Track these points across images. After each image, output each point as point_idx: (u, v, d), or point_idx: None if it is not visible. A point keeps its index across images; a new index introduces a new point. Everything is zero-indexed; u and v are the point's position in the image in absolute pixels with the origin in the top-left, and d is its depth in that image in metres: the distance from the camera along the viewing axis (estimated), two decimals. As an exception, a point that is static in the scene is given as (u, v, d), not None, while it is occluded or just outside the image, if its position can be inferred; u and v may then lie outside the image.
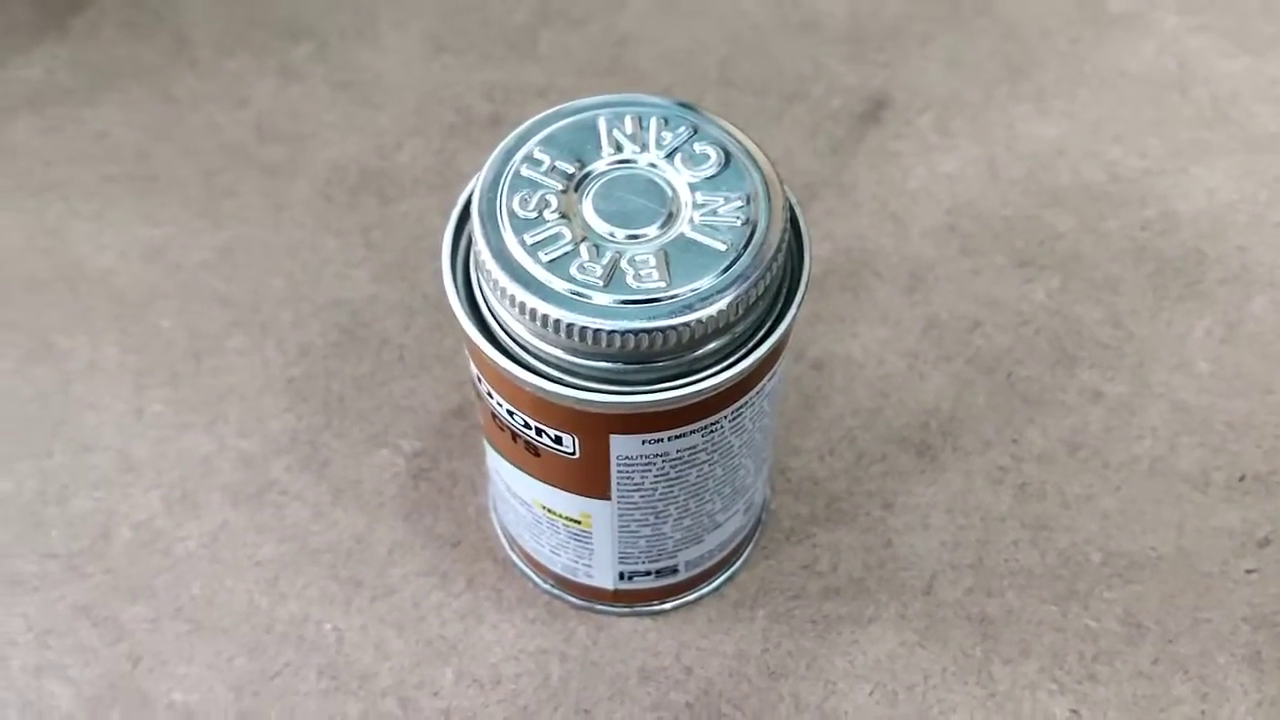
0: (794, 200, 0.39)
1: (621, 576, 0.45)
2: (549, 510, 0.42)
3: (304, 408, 0.51)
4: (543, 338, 0.36)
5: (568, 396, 0.36)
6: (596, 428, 0.38)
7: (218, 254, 0.56)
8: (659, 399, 0.36)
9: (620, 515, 0.41)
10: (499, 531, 0.48)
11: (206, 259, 0.56)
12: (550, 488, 0.41)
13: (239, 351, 0.53)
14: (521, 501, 0.43)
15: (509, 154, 0.38)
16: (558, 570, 0.45)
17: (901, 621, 0.47)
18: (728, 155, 0.38)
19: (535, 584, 0.47)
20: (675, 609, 0.47)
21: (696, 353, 0.36)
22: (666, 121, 0.39)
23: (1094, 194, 0.58)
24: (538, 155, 0.38)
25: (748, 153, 0.38)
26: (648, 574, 0.45)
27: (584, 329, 0.35)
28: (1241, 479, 0.50)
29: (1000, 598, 0.47)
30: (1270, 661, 0.46)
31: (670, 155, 0.38)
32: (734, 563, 0.47)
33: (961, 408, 0.52)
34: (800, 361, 0.53)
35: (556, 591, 0.47)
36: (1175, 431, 0.51)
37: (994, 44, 0.63)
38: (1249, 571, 0.48)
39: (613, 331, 0.35)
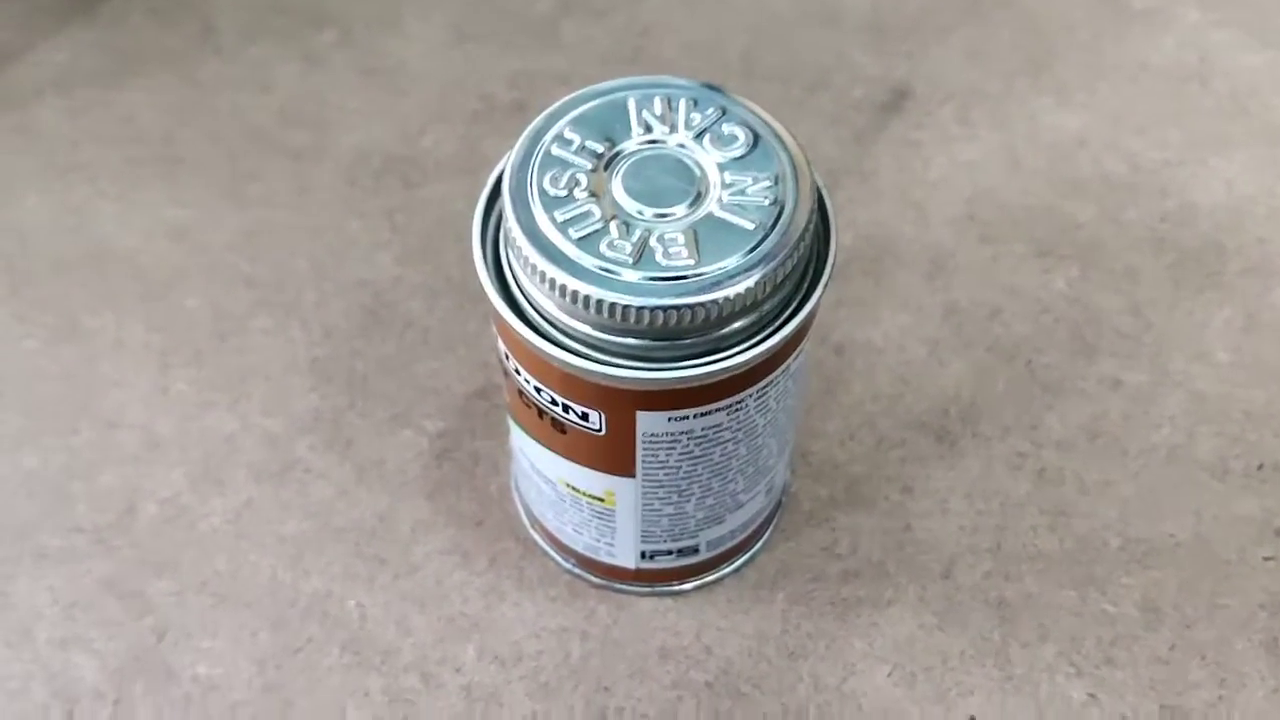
0: (821, 183, 0.39)
1: (643, 555, 0.45)
2: (573, 488, 0.43)
3: (328, 388, 0.52)
4: (572, 314, 0.37)
5: (595, 372, 0.37)
6: (623, 404, 0.38)
7: (242, 236, 0.56)
8: (686, 375, 0.37)
9: (644, 493, 0.42)
10: (521, 511, 0.48)
11: (231, 240, 0.56)
12: (575, 465, 0.41)
13: (264, 331, 0.53)
14: (545, 480, 0.43)
15: (539, 133, 0.39)
16: (580, 549, 0.46)
17: (920, 604, 0.47)
18: (756, 136, 0.38)
19: (557, 563, 0.47)
20: (695, 589, 0.47)
21: (723, 330, 0.37)
22: (695, 103, 0.39)
23: (1114, 185, 0.58)
24: (568, 135, 0.38)
25: (776, 134, 0.39)
26: (669, 553, 0.45)
27: (613, 305, 0.36)
28: (1260, 467, 0.50)
29: (1019, 582, 0.48)
30: (1287, 648, 0.46)
31: (699, 136, 0.39)
32: (754, 544, 0.47)
33: (981, 394, 0.52)
34: (822, 346, 0.53)
35: (578, 571, 0.47)
36: (1194, 420, 0.51)
37: (1015, 37, 0.63)
38: (1266, 559, 0.48)
39: (641, 308, 0.35)
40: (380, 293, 0.55)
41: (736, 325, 0.37)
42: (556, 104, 0.39)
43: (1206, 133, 0.60)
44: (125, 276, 0.55)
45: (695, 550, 0.45)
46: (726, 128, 0.39)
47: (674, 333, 0.36)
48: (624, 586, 0.47)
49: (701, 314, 0.36)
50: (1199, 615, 0.47)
